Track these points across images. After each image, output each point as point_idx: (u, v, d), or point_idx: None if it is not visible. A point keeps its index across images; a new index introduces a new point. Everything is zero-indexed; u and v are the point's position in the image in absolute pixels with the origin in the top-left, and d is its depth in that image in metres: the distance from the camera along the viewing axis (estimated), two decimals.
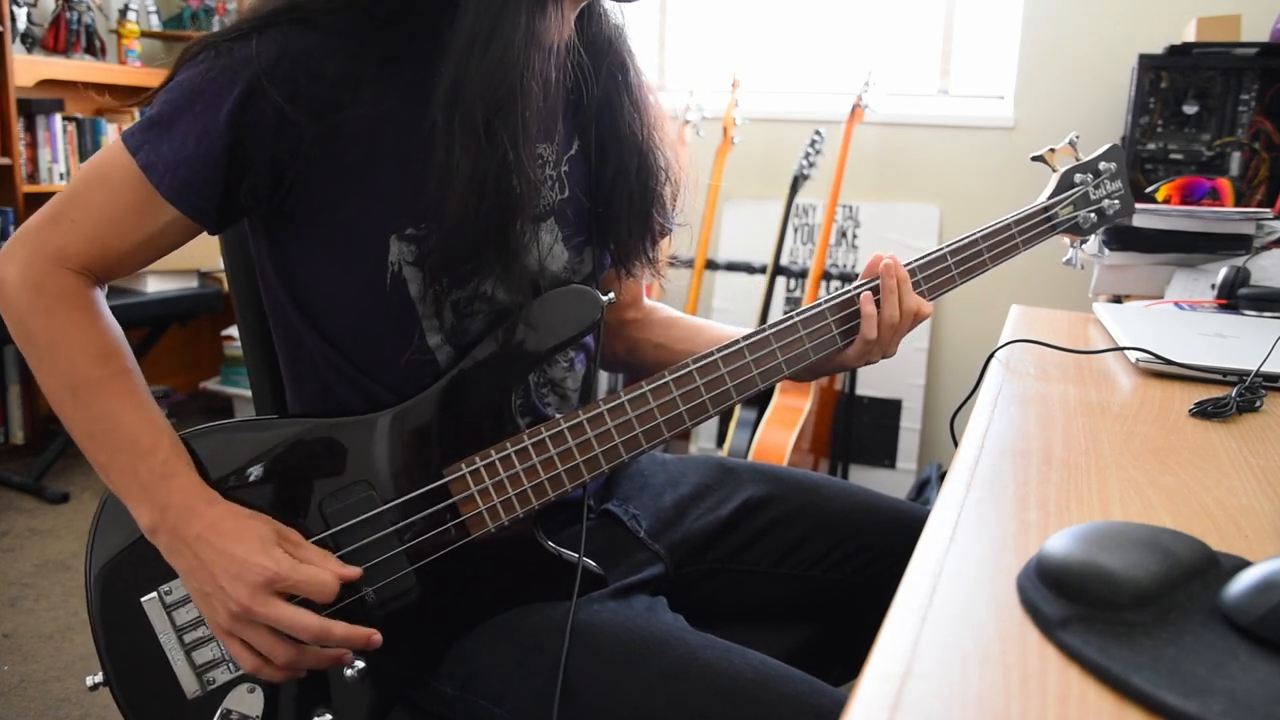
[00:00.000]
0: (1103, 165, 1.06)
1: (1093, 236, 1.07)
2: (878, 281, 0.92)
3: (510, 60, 0.75)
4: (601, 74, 0.90)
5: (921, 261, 0.95)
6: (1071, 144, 1.05)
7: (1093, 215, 1.05)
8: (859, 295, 0.92)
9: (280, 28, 0.77)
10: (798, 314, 0.90)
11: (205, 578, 0.74)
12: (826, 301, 0.91)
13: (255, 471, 0.81)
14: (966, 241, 0.97)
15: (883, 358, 0.94)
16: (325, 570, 0.75)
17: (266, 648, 0.75)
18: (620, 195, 0.91)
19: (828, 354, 0.92)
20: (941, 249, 0.96)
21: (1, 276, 0.79)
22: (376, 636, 0.77)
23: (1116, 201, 1.06)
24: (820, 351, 0.90)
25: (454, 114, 0.75)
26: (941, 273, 0.96)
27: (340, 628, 0.75)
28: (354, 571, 0.77)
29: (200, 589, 0.75)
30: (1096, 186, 1.05)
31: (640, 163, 0.92)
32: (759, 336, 0.88)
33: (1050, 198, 1.04)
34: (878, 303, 0.92)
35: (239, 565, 0.73)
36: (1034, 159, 1.06)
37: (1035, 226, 1.02)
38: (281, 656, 0.75)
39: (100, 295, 0.82)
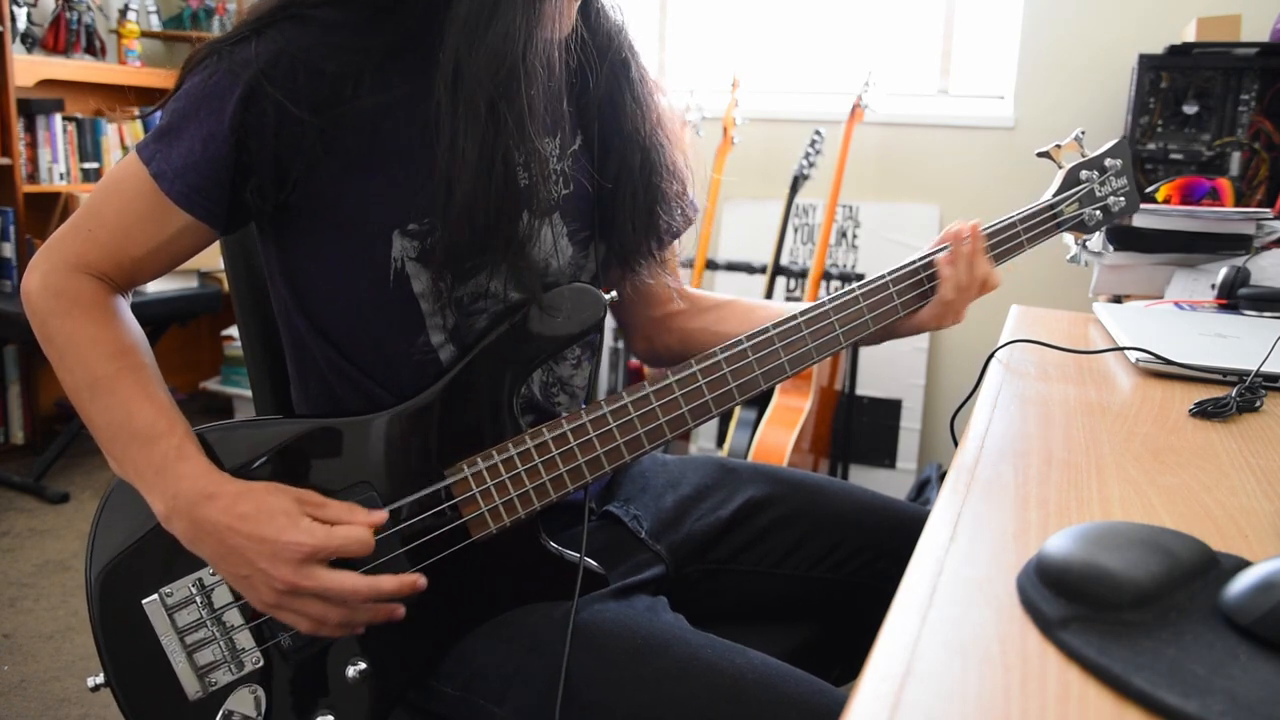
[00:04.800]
0: (1108, 161, 1.05)
1: (1097, 234, 1.06)
2: (941, 251, 0.93)
3: (512, 39, 0.76)
4: (603, 70, 0.90)
5: (922, 261, 0.95)
6: (1077, 139, 1.04)
7: (1098, 212, 1.04)
8: (923, 271, 0.92)
9: (279, 26, 0.78)
10: (801, 314, 0.89)
11: (239, 562, 0.74)
12: (829, 301, 0.90)
13: (255, 471, 0.81)
14: None
15: (953, 323, 0.95)
16: (357, 526, 0.76)
17: (319, 613, 0.75)
18: (623, 192, 0.91)
19: (891, 321, 0.92)
20: (944, 248, 0.96)
21: (27, 285, 0.82)
22: (422, 580, 0.78)
23: (1122, 199, 1.05)
24: (823, 352, 0.90)
25: (457, 95, 0.76)
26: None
27: (388, 581, 0.76)
28: (381, 516, 0.78)
29: (236, 573, 0.75)
30: (1102, 183, 1.04)
31: (643, 159, 0.92)
32: (763, 336, 0.87)
33: (1055, 194, 1.02)
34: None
35: (272, 546, 0.73)
36: (1040, 155, 1.04)
37: (1041, 224, 1.00)
38: (335, 617, 0.76)
39: (120, 300, 0.84)
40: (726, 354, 0.86)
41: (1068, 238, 1.08)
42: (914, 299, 0.93)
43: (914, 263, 0.93)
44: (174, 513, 0.75)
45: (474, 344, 0.84)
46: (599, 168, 0.91)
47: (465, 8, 0.76)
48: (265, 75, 0.76)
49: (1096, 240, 1.03)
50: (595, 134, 0.91)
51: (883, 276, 0.92)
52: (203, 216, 0.80)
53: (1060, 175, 1.04)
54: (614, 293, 0.87)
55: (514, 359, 0.84)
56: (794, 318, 0.89)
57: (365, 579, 0.75)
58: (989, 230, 0.97)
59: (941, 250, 0.94)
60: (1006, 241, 0.98)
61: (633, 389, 0.84)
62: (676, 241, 1.02)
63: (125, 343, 0.81)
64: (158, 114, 0.81)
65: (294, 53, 0.76)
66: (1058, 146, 1.03)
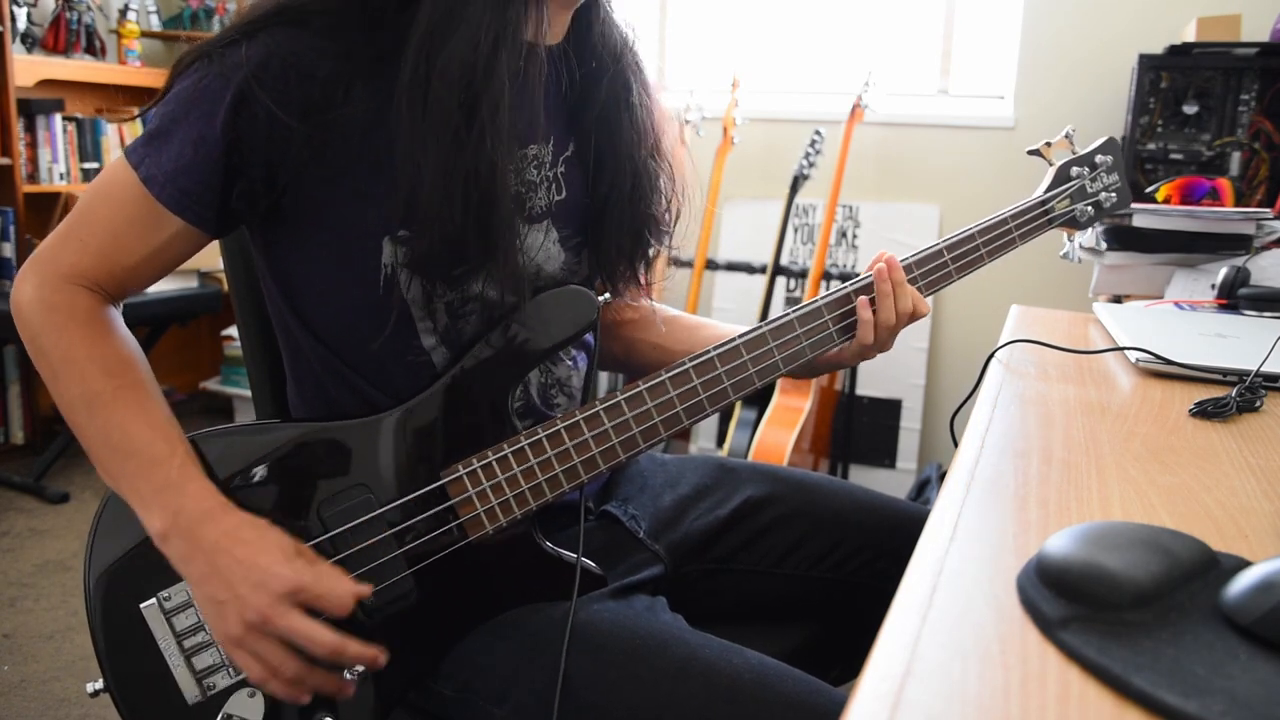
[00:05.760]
0: (1099, 158, 1.06)
1: (1089, 230, 1.07)
2: (872, 279, 0.92)
3: (475, 46, 0.75)
4: (602, 86, 0.89)
5: (918, 257, 0.95)
6: (1068, 137, 1.05)
7: (1089, 209, 1.05)
8: (855, 297, 0.92)
9: (270, 30, 0.77)
10: (794, 311, 0.89)
11: (220, 586, 0.73)
12: (823, 299, 0.91)
13: (253, 475, 0.81)
14: (963, 236, 0.97)
15: (879, 353, 0.95)
16: (344, 586, 0.74)
17: (276, 660, 0.73)
18: (611, 211, 0.91)
19: (825, 351, 0.92)
20: (938, 244, 0.96)
21: (17, 297, 0.80)
22: (383, 657, 0.77)
23: (1114, 194, 1.06)
24: (817, 349, 0.90)
25: (414, 101, 0.75)
26: (939, 268, 0.96)
27: (354, 645, 0.74)
28: (366, 589, 0.77)
29: (213, 597, 0.74)
30: (1093, 180, 1.05)
31: (634, 184, 0.91)
32: (755, 334, 0.87)
33: (1047, 191, 1.03)
34: (873, 305, 0.91)
35: (260, 574, 0.72)
36: (1030, 152, 1.05)
37: (1032, 220, 1.01)
38: (289, 670, 0.74)
39: (113, 312, 0.83)
40: (720, 352, 0.86)
41: (1061, 234, 1.08)
42: (847, 328, 0.92)
43: (843, 289, 0.92)
44: (173, 530, 0.75)
45: (467, 347, 0.84)
46: (591, 180, 0.91)
47: (429, 13, 0.75)
48: (256, 79, 0.75)
49: (1090, 236, 1.04)
50: (590, 146, 0.90)
51: (815, 302, 0.91)
52: (194, 220, 0.79)
53: (1051, 172, 1.05)
54: (607, 294, 0.87)
55: (508, 361, 0.84)
56: (787, 314, 0.89)
57: (334, 635, 0.73)
58: (982, 226, 0.98)
59: (865, 281, 0.92)
60: (999, 238, 0.99)
61: (627, 389, 0.84)
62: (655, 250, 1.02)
63: (123, 358, 0.80)
64: (148, 117, 0.81)
65: (285, 56, 0.76)
66: (1048, 144, 1.04)
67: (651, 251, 0.95)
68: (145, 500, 0.76)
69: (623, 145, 0.90)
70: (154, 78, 3.45)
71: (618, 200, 0.91)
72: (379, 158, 0.79)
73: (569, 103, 0.90)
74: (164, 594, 0.79)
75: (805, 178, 2.66)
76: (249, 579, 0.72)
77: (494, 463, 0.81)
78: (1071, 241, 1.08)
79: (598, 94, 0.89)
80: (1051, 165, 1.05)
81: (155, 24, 3.60)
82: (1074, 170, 1.04)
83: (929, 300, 0.95)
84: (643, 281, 0.96)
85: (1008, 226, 0.99)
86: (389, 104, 0.78)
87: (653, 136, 0.93)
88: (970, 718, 0.40)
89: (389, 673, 0.82)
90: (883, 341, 0.93)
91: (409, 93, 0.75)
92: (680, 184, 0.97)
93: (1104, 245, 1.41)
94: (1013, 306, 1.29)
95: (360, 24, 0.78)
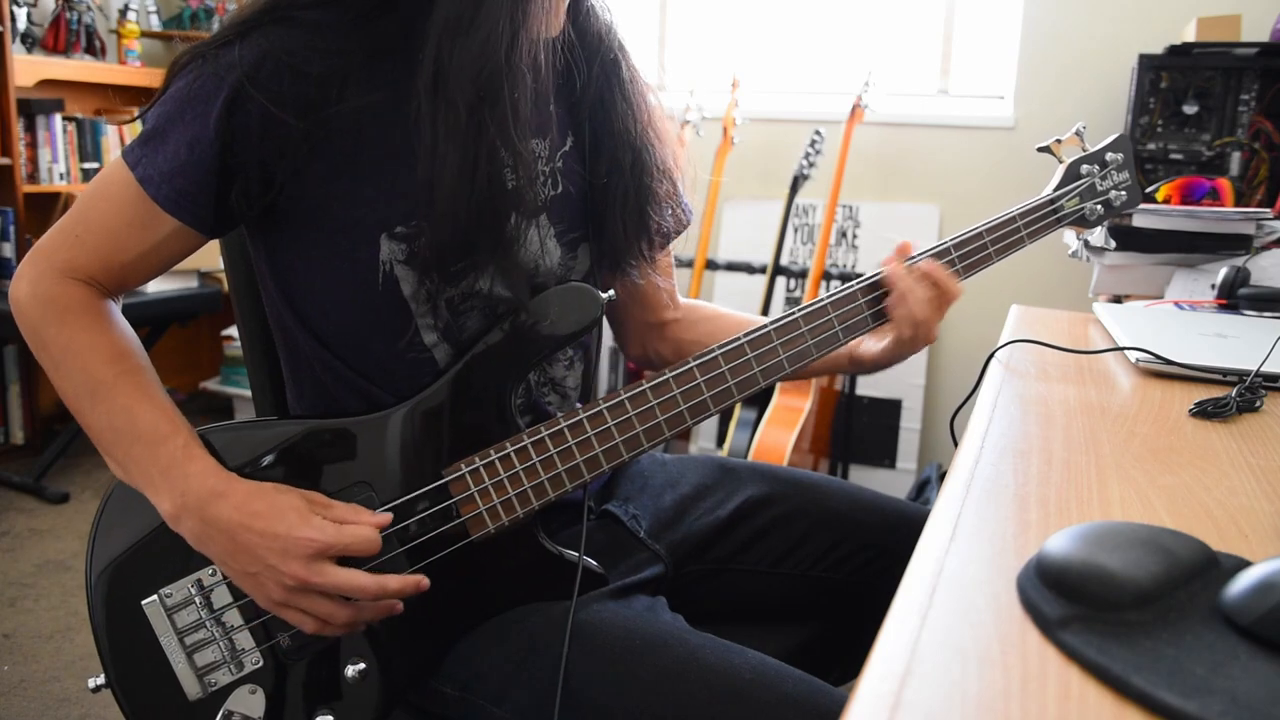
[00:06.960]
0: (1109, 156, 1.04)
1: (1099, 229, 1.05)
2: (879, 276, 0.92)
3: (495, 42, 0.75)
4: (594, 70, 0.90)
5: (924, 257, 0.94)
6: (1078, 134, 1.04)
7: (1099, 207, 1.04)
8: (861, 295, 0.91)
9: (263, 29, 0.77)
10: (799, 310, 0.89)
11: (249, 560, 0.74)
12: (828, 297, 0.90)
13: (255, 472, 0.81)
14: (970, 235, 0.96)
15: (925, 345, 0.94)
16: (365, 526, 0.76)
17: (326, 612, 0.76)
18: (614, 192, 0.91)
19: (836, 352, 0.91)
20: (944, 243, 0.95)
21: (15, 293, 0.81)
22: (425, 581, 0.79)
23: (1124, 193, 1.05)
24: (823, 349, 0.90)
25: (437, 98, 0.75)
26: (945, 267, 0.94)
27: (394, 580, 0.77)
28: (386, 518, 0.79)
29: (244, 570, 0.75)
30: (1104, 177, 1.04)
31: (634, 159, 0.91)
32: (760, 333, 0.87)
33: (1056, 189, 1.02)
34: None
35: (284, 542, 0.73)
36: (1040, 149, 1.04)
37: (1041, 219, 1.00)
38: (342, 617, 0.76)
39: (111, 304, 0.83)
40: (724, 351, 0.86)
41: (1070, 234, 1.07)
42: (852, 327, 0.91)
43: (849, 288, 0.91)
44: (183, 511, 0.75)
45: (470, 344, 0.84)
46: (590, 168, 0.91)
47: (448, 9, 0.75)
48: (250, 79, 0.75)
49: (1099, 235, 1.03)
50: (586, 135, 0.90)
51: (820, 301, 0.90)
52: (190, 221, 0.80)
53: (1060, 170, 1.03)
54: (611, 292, 0.87)
55: (511, 359, 0.84)
56: (792, 313, 0.88)
57: (373, 577, 0.76)
58: (990, 225, 0.97)
59: (873, 277, 0.92)
60: (1007, 237, 0.98)
61: (630, 388, 0.84)
62: (671, 243, 1.01)
63: (122, 347, 0.81)
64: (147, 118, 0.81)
65: (279, 55, 0.76)
66: (1058, 141, 1.03)
67: (655, 228, 0.94)
68: (154, 483, 0.77)
69: (618, 122, 0.91)
70: (154, 78, 3.45)
71: (620, 180, 0.91)
72: (375, 153, 0.79)
73: (564, 95, 0.90)
74: (165, 590, 0.79)
75: (805, 178, 2.66)
76: (275, 549, 0.73)
77: (496, 461, 0.82)
78: (1080, 240, 1.07)
79: (590, 79, 0.90)
80: (1061, 162, 1.03)
81: (155, 24, 3.60)
82: (1084, 168, 1.03)
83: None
84: (650, 262, 0.96)
85: (1016, 225, 0.98)
86: (384, 98, 0.78)
87: (646, 110, 0.93)
88: (970, 718, 0.40)
89: (390, 671, 0.82)
90: (924, 337, 0.92)
91: (428, 94, 0.75)
92: (677, 157, 0.97)
93: (1112, 243, 1.40)
94: (1013, 306, 1.28)
95: (353, 21, 0.78)
